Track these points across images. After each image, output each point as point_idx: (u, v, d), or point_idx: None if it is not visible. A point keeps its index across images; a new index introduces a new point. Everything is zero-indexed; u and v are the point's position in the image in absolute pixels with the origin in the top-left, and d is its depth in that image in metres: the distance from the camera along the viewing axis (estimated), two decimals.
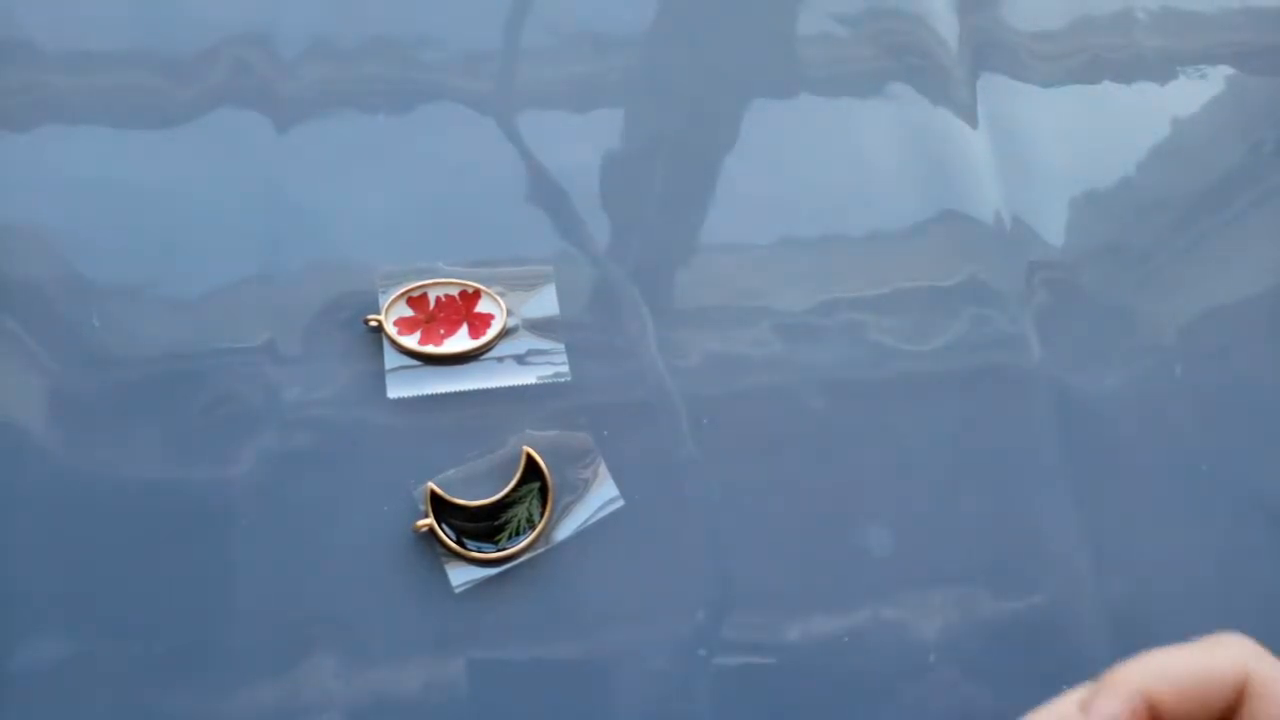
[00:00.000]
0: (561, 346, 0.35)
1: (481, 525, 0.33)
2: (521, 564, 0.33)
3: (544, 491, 0.33)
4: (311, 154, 0.38)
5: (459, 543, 0.32)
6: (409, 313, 0.34)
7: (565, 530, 0.33)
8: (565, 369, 0.34)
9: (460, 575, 0.32)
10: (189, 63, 0.39)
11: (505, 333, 0.35)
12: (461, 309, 0.35)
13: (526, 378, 0.34)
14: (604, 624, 0.33)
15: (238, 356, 0.35)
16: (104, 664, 0.31)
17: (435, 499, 0.32)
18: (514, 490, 0.33)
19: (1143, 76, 0.45)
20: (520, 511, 0.33)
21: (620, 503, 0.34)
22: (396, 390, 0.33)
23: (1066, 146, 0.43)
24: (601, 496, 0.34)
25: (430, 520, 0.32)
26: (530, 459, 0.33)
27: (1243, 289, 0.42)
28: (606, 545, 0.34)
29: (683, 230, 0.39)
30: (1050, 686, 0.33)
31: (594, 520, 0.34)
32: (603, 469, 0.34)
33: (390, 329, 0.33)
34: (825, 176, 0.41)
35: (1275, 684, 0.22)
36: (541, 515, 0.33)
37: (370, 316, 0.34)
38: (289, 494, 0.33)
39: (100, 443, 0.33)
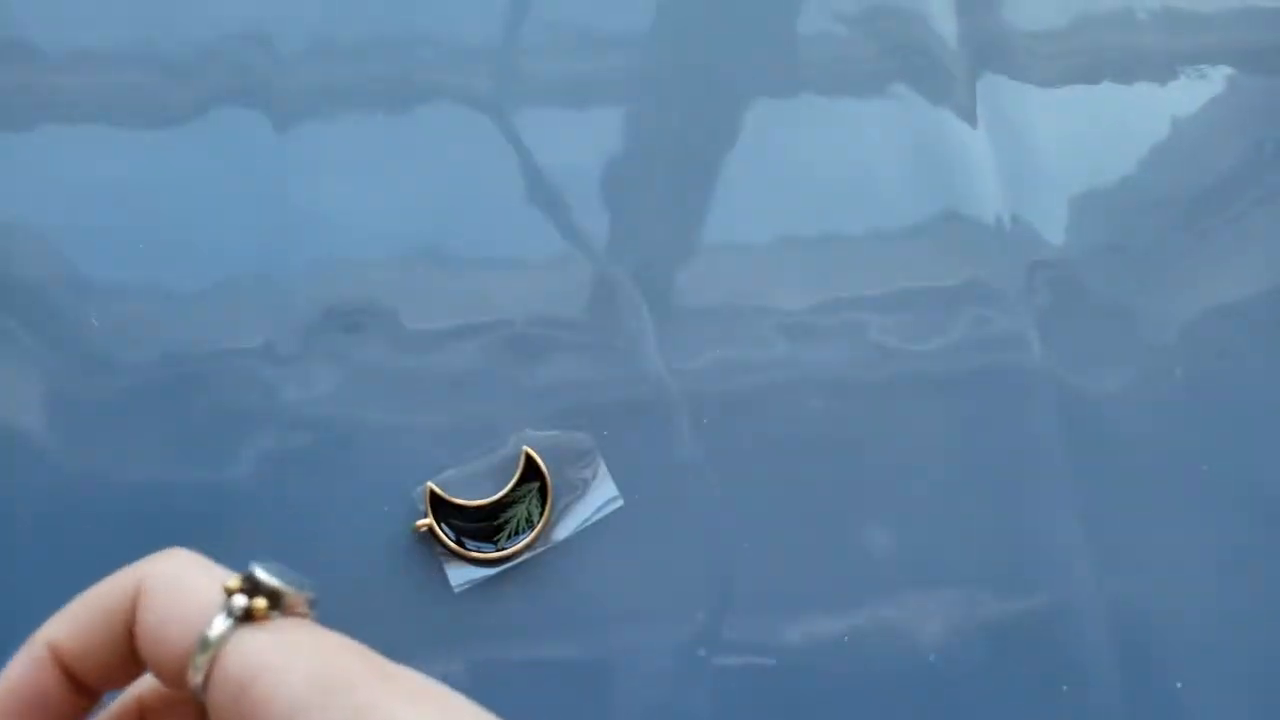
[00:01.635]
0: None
1: (481, 525, 0.33)
2: (521, 564, 0.33)
3: (543, 491, 0.33)
4: (310, 153, 0.38)
5: (458, 543, 0.32)
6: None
7: (565, 530, 0.33)
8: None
9: (460, 575, 0.32)
10: (187, 62, 0.39)
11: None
12: None
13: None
14: (604, 624, 0.33)
15: (237, 356, 0.35)
16: None
17: (434, 499, 0.32)
18: (513, 490, 0.33)
19: (1143, 76, 0.45)
20: (520, 511, 0.33)
21: (620, 503, 0.34)
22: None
23: (1067, 146, 0.43)
24: (601, 496, 0.34)
25: (429, 520, 0.32)
26: (530, 459, 0.33)
27: (1244, 288, 0.42)
28: (606, 545, 0.34)
29: (683, 230, 0.39)
30: (1051, 686, 0.33)
31: (594, 520, 0.34)
32: (602, 469, 0.34)
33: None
34: (825, 176, 0.41)
35: (161, 566, 0.21)
36: (541, 515, 0.33)
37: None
38: (288, 494, 0.33)
39: (99, 443, 0.33)
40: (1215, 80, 0.46)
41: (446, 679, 0.31)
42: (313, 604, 0.21)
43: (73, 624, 0.21)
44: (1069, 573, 0.35)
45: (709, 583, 0.34)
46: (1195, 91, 0.45)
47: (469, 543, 0.32)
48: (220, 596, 0.20)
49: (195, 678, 0.20)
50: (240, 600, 0.20)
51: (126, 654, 0.21)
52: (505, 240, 0.37)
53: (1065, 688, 0.33)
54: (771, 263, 0.39)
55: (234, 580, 0.20)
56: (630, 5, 0.43)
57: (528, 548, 0.33)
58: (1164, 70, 0.45)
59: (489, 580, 0.33)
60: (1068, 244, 0.41)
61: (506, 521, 0.33)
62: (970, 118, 0.42)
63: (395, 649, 0.31)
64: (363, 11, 0.41)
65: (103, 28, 0.39)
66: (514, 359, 0.36)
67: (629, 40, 0.42)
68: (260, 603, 0.20)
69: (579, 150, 0.40)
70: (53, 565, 0.32)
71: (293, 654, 0.20)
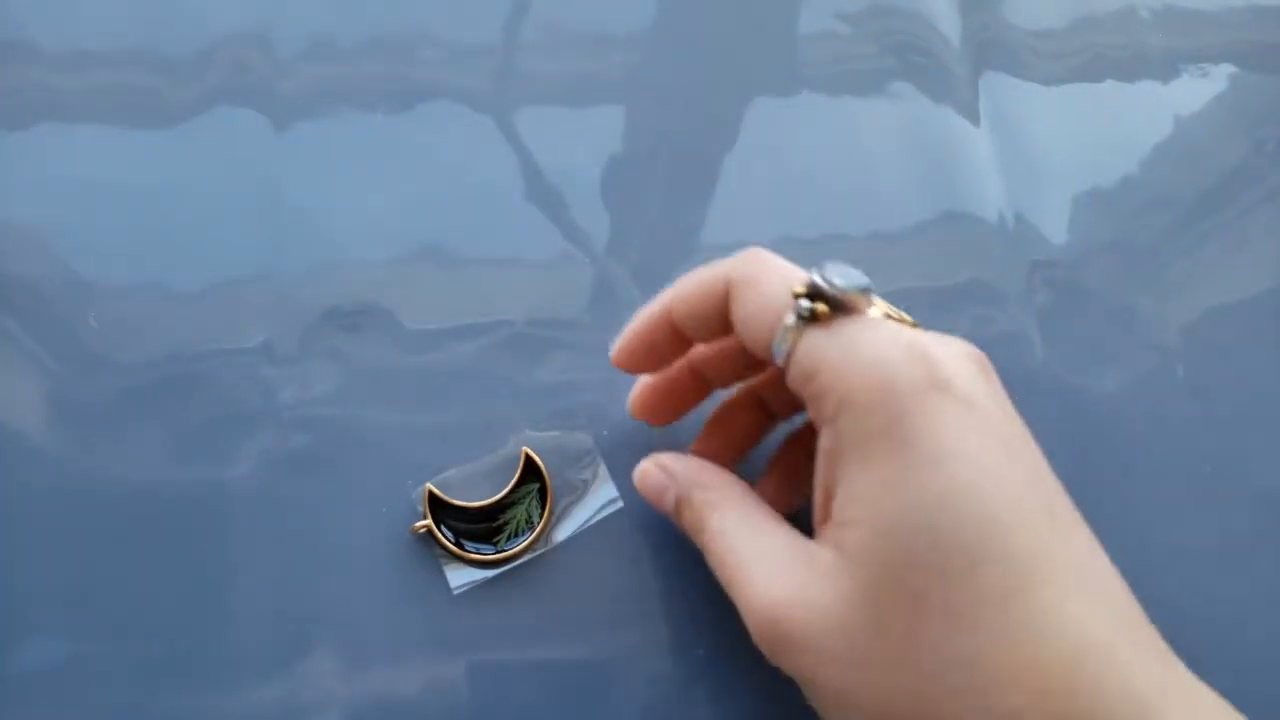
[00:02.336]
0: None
1: (480, 526, 0.33)
2: (520, 565, 0.33)
3: (543, 493, 0.33)
4: (309, 153, 0.38)
5: (457, 544, 0.32)
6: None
7: (565, 531, 0.33)
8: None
9: (459, 577, 0.32)
10: (186, 62, 0.39)
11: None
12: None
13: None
14: (604, 625, 0.33)
15: (235, 356, 0.34)
16: (101, 664, 0.31)
17: (433, 500, 0.32)
18: (513, 491, 0.33)
19: (1146, 75, 0.45)
20: (519, 512, 0.33)
21: (620, 504, 0.34)
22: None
23: (1069, 145, 0.43)
24: (601, 498, 0.34)
25: (428, 522, 0.32)
26: (529, 460, 0.33)
27: (1246, 288, 0.42)
28: (606, 546, 0.33)
29: (683, 229, 0.39)
30: None
31: (594, 521, 0.34)
32: (602, 470, 0.34)
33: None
34: (826, 175, 0.41)
35: (746, 268, 0.26)
36: (541, 516, 0.33)
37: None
38: (287, 494, 0.33)
39: (97, 443, 0.33)
40: (1218, 79, 0.45)
41: (445, 680, 0.31)
42: (869, 296, 0.25)
43: (682, 298, 0.28)
44: None
45: (709, 583, 0.33)
46: (1198, 90, 0.45)
47: (468, 544, 0.32)
48: (789, 299, 0.25)
49: (778, 360, 0.25)
50: (804, 304, 0.24)
51: (715, 325, 0.28)
52: (505, 240, 0.37)
53: None
54: None
55: (799, 285, 0.25)
56: (630, 5, 0.43)
57: (527, 549, 0.32)
58: (1166, 69, 0.45)
59: (488, 581, 0.32)
60: (1069, 243, 0.41)
61: (506, 523, 0.33)
62: (972, 116, 0.42)
63: (394, 649, 0.32)
64: (362, 11, 0.41)
65: (102, 28, 0.39)
66: (514, 359, 0.36)
67: (629, 40, 0.42)
68: (821, 307, 0.24)
69: (579, 150, 0.40)
70: (52, 565, 0.32)
71: (847, 353, 0.24)
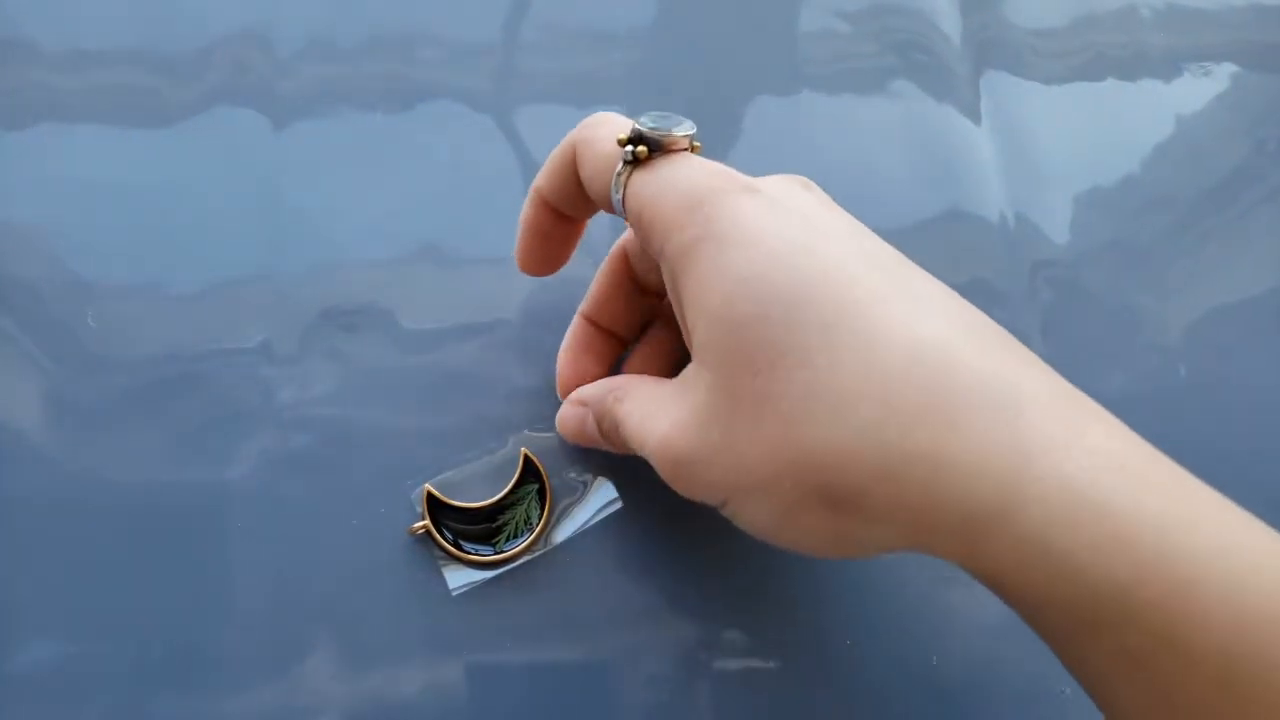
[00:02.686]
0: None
1: (479, 527, 0.32)
2: (520, 566, 0.33)
3: (542, 494, 0.33)
4: (309, 152, 0.38)
5: (456, 545, 0.32)
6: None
7: (564, 533, 0.33)
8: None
9: (458, 578, 0.32)
10: (185, 61, 0.39)
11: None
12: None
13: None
14: (603, 627, 0.32)
15: (234, 356, 0.34)
16: (100, 666, 0.31)
17: (432, 501, 0.32)
18: (512, 492, 0.33)
19: (1147, 74, 0.45)
20: (518, 513, 0.33)
21: (619, 504, 0.34)
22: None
23: (1070, 144, 0.43)
24: (600, 499, 0.34)
25: (426, 523, 0.32)
26: (528, 461, 0.33)
27: (1248, 288, 0.41)
28: (606, 547, 0.33)
29: None
30: (1052, 689, 0.33)
31: (593, 522, 0.34)
32: None
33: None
34: (827, 174, 0.40)
35: (584, 131, 0.28)
36: (540, 517, 0.33)
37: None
38: (285, 495, 0.33)
39: (96, 443, 0.33)
40: (1219, 78, 0.45)
41: (444, 681, 0.31)
42: (691, 139, 0.27)
43: (545, 174, 0.30)
44: None
45: (709, 584, 0.33)
46: (1199, 90, 0.45)
47: (467, 545, 0.32)
48: (619, 149, 0.26)
49: (616, 208, 0.27)
50: (629, 150, 0.26)
51: (576, 192, 0.29)
52: (505, 240, 0.36)
53: (1066, 690, 0.33)
54: None
55: (624, 134, 0.26)
56: (630, 3, 0.43)
57: (526, 550, 0.32)
58: (1168, 68, 0.45)
59: (487, 583, 0.32)
60: (1070, 243, 0.41)
61: (505, 524, 0.33)
62: (974, 115, 0.42)
63: (393, 650, 0.32)
64: (362, 11, 0.41)
65: (101, 27, 0.39)
66: (513, 359, 0.36)
67: (629, 38, 0.42)
68: (642, 150, 0.26)
69: None
70: (51, 565, 0.31)
71: (665, 185, 0.25)
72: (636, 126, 0.26)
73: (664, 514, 0.34)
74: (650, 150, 0.26)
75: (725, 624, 0.33)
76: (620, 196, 0.26)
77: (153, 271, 0.35)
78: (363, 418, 0.34)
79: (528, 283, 0.35)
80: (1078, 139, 0.43)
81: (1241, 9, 0.47)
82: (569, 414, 0.32)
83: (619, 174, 0.26)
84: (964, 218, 0.40)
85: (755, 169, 0.41)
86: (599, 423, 0.30)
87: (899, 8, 0.44)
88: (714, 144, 0.41)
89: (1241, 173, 0.43)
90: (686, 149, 0.26)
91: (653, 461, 0.26)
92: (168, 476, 0.33)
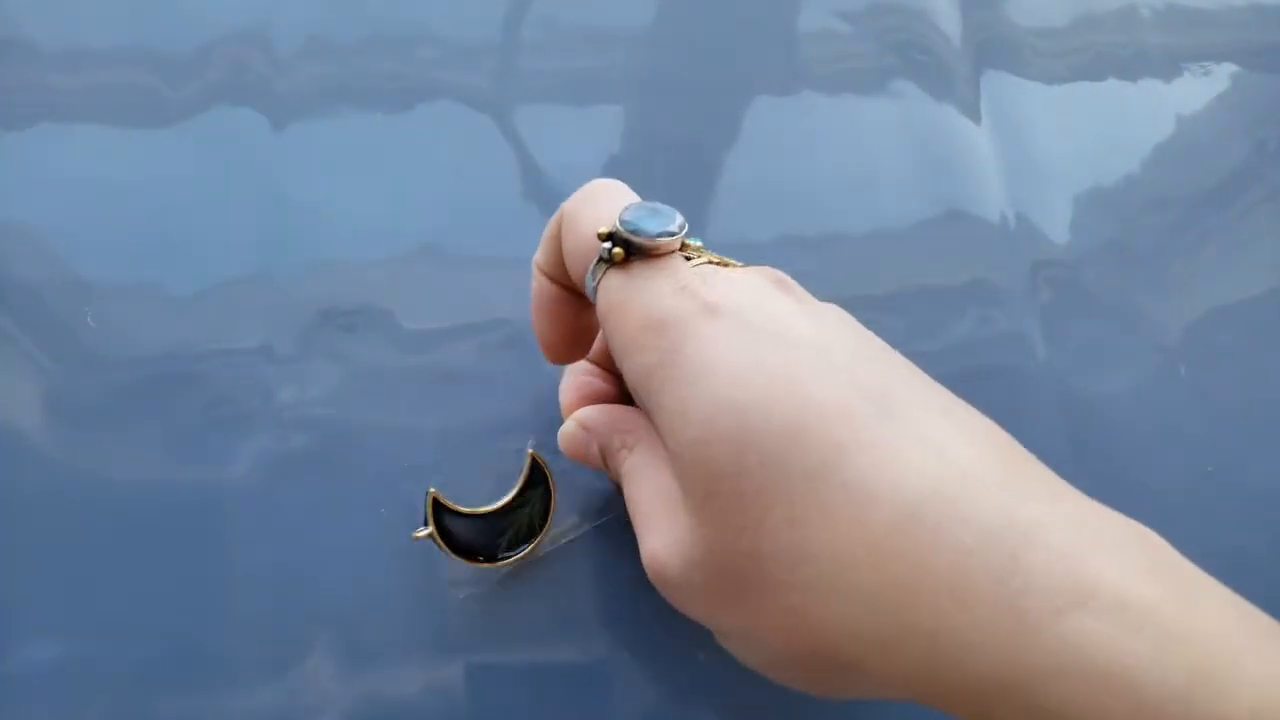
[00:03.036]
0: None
1: (484, 530, 0.32)
2: (521, 566, 0.33)
3: (547, 496, 0.33)
4: (308, 152, 0.38)
5: (462, 549, 0.32)
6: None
7: (567, 535, 0.33)
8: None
9: (461, 579, 0.32)
10: (184, 61, 0.39)
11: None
12: None
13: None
14: (604, 628, 0.32)
15: (234, 356, 0.34)
16: (99, 665, 0.30)
17: (436, 505, 0.32)
18: (519, 495, 0.33)
19: (1147, 74, 0.45)
20: (523, 516, 0.33)
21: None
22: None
23: (1070, 144, 0.43)
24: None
25: (431, 529, 0.32)
26: (534, 463, 0.33)
27: (1248, 287, 0.41)
28: (606, 548, 0.33)
29: None
30: None
31: (598, 523, 0.33)
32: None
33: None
34: (827, 174, 0.41)
35: (572, 204, 0.26)
36: (544, 520, 0.33)
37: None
38: (285, 495, 0.33)
39: (95, 443, 0.33)
40: (1220, 78, 0.45)
41: (444, 681, 0.31)
42: (675, 239, 0.24)
43: (541, 246, 0.28)
44: None
45: None
46: (1199, 89, 0.45)
47: (471, 548, 0.32)
48: (595, 244, 0.24)
49: (590, 297, 0.25)
50: (605, 247, 0.24)
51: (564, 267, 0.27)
52: (505, 239, 0.36)
53: None
54: (773, 262, 0.38)
55: (604, 228, 0.24)
56: (630, 3, 0.43)
57: (531, 553, 0.32)
58: (1168, 68, 0.45)
59: (489, 584, 0.32)
60: (1071, 243, 0.41)
61: (509, 526, 0.33)
62: (974, 115, 0.42)
63: (393, 651, 0.31)
64: (361, 10, 0.40)
65: (100, 26, 0.39)
66: (513, 359, 0.35)
67: (629, 37, 0.42)
68: (618, 251, 0.24)
69: (579, 149, 0.39)
70: (50, 565, 0.31)
71: (629, 297, 0.24)
72: (619, 224, 0.24)
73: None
74: (628, 253, 0.24)
75: None
76: (594, 288, 0.25)
77: (153, 271, 0.35)
78: (363, 418, 0.34)
79: (528, 282, 0.35)
80: (1078, 139, 0.43)
81: (1241, 9, 0.47)
82: (574, 436, 0.29)
83: (593, 268, 0.24)
84: (964, 218, 0.40)
85: (755, 169, 0.41)
86: (603, 456, 0.28)
87: (899, 8, 0.44)
88: (714, 144, 0.41)
89: (1241, 173, 0.43)
90: (673, 251, 0.24)
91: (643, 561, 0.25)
92: (168, 476, 0.33)
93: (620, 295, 0.24)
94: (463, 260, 0.37)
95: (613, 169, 0.39)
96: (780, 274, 0.26)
